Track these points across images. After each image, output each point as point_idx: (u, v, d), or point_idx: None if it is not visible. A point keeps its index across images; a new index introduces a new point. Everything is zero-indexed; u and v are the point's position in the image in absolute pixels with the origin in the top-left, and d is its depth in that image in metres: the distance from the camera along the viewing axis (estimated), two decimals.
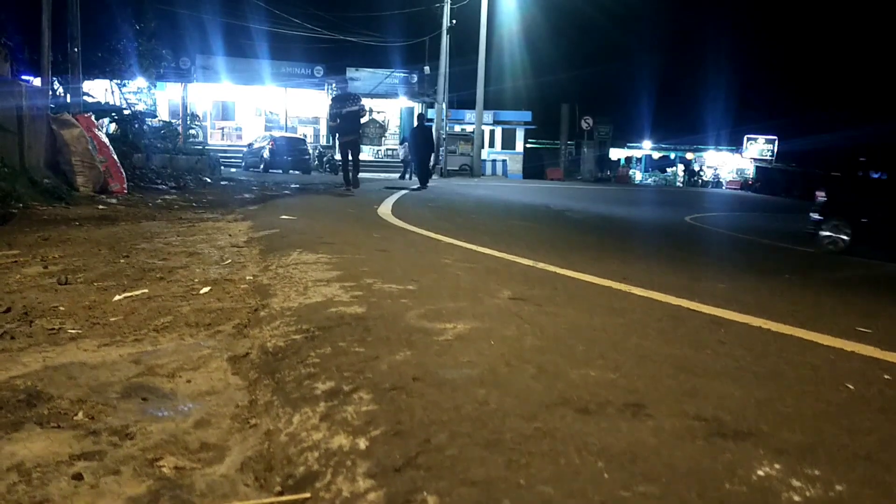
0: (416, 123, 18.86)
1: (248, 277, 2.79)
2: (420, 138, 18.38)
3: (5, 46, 9.01)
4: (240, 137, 37.47)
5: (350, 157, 14.64)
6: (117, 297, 2.42)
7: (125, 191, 9.01)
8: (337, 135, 15.40)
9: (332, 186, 17.47)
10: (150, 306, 2.30)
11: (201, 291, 2.49)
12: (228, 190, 12.93)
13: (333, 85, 37.01)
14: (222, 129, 39.07)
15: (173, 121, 35.27)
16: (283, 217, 5.70)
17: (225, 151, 33.02)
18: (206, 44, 33.24)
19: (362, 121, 15.62)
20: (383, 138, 30.22)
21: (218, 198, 10.17)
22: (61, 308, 2.31)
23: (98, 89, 16.22)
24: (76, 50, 9.63)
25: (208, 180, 16.18)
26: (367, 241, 4.30)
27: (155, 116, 31.21)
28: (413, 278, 2.88)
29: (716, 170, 49.96)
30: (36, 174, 7.40)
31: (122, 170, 9.18)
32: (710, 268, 6.46)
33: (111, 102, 18.82)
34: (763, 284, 5.31)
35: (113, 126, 14.87)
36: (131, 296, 2.45)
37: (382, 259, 3.33)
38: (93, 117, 9.10)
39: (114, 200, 8.04)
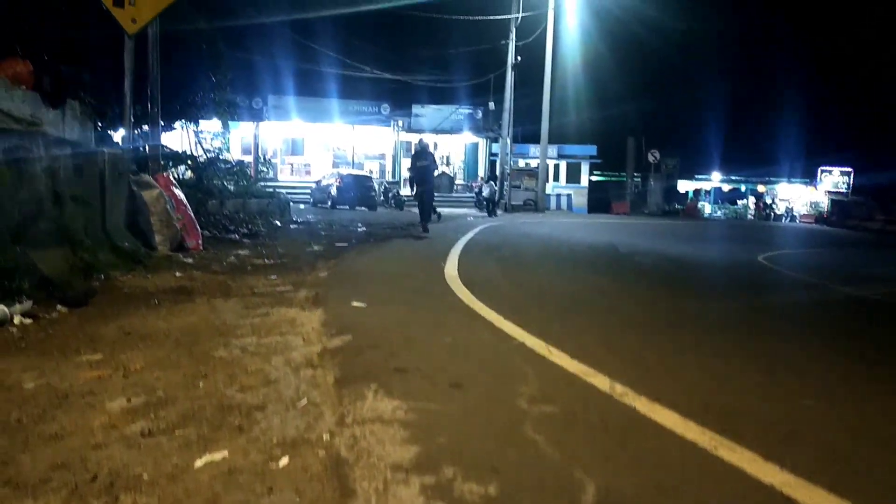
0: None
1: (324, 437, 2.75)
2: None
3: (89, 105, 9.38)
4: (308, 173, 38.33)
5: (424, 205, 16.62)
6: (198, 463, 2.43)
7: (200, 247, 9.24)
8: (415, 184, 17.27)
9: (398, 228, 18.01)
10: (229, 486, 2.29)
11: (280, 464, 2.47)
12: (298, 239, 13.15)
13: (400, 122, 37.60)
14: (291, 164, 40.03)
15: (245, 158, 36.47)
16: (354, 305, 5.69)
17: (294, 188, 33.83)
18: (278, 84, 34.22)
19: (435, 174, 18.31)
20: (454, 186, 30.60)
21: (288, 251, 10.34)
22: (144, 476, 2.32)
23: (174, 133, 16.85)
24: (156, 109, 9.99)
25: (278, 223, 16.53)
26: (438, 357, 4.19)
27: (228, 152, 32.28)
28: (494, 464, 2.62)
29: (789, 203, 48.57)
30: (116, 237, 7.64)
31: (198, 225, 9.44)
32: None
33: (187, 148, 19.53)
34: None
35: (189, 173, 15.39)
36: (212, 461, 2.45)
37: (459, 412, 3.20)
38: (171, 175, 9.41)
39: (190, 260, 8.24)
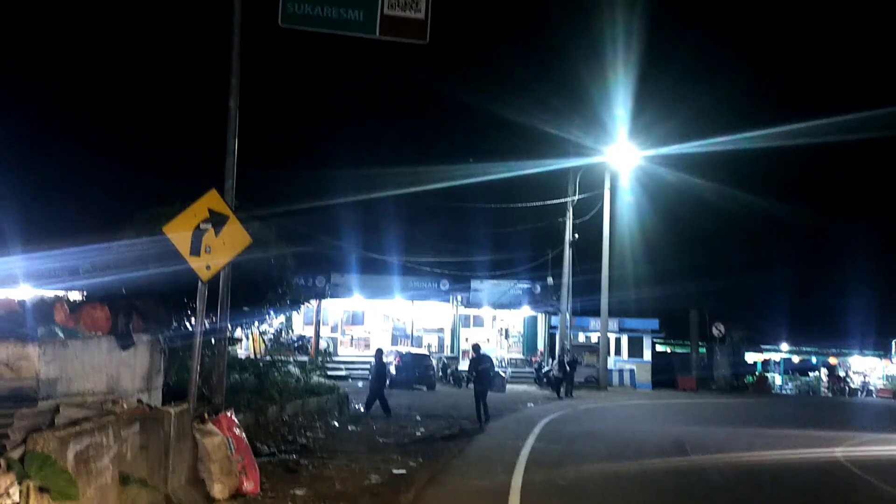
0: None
1: None
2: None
3: (159, 340, 9.63)
4: (367, 346, 38.61)
5: (484, 407, 18.27)
6: None
7: (258, 490, 9.10)
8: (473, 385, 19.00)
9: (459, 417, 18.37)
10: None
11: None
12: (359, 450, 13.00)
13: (459, 297, 38.02)
14: (351, 335, 40.48)
15: (307, 329, 37.12)
16: None
17: (353, 363, 34.04)
18: (340, 263, 35.44)
19: (491, 374, 20.22)
20: (506, 384, 30.52)
21: (348, 476, 10.14)
22: None
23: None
24: (223, 341, 10.25)
25: (336, 424, 16.41)
26: None
27: (291, 330, 32.87)
28: None
29: (864, 376, 46.41)
30: (177, 493, 7.57)
31: (256, 466, 9.34)
32: None
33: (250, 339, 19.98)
34: None
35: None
36: None
37: None
38: (232, 414, 9.46)
39: None
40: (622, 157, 34.93)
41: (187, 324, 12.30)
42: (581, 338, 41.31)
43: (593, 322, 39.69)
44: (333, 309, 39.34)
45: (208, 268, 9.22)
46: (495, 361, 37.19)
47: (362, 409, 19.34)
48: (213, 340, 11.44)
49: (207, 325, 10.34)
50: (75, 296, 15.35)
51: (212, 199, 9.31)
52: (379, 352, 20.57)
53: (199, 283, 9.20)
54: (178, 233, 8.88)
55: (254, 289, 13.19)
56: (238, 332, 15.95)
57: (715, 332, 41.71)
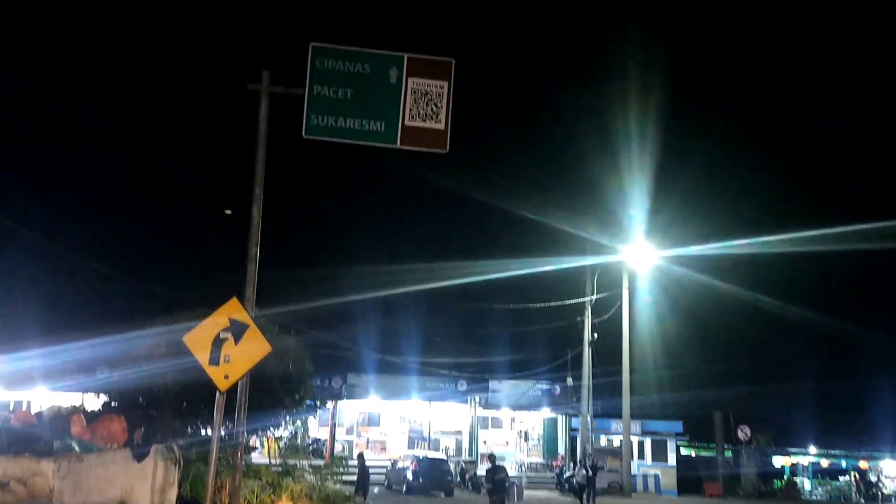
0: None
1: None
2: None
3: (174, 450, 9.47)
4: (384, 449, 37.82)
5: None
6: None
7: None
8: (489, 495, 19.60)
9: None
10: None
11: None
12: None
13: (476, 398, 37.40)
14: (367, 437, 39.65)
15: (321, 436, 36.38)
16: None
17: (368, 467, 33.13)
18: (356, 363, 35.15)
19: (507, 484, 21.30)
20: (524, 491, 29.75)
21: None
22: None
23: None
24: (239, 450, 10.05)
25: None
26: None
27: (306, 432, 32.25)
28: None
29: None
30: None
31: None
32: None
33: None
34: None
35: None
36: None
37: None
38: None
39: None
40: (640, 256, 34.87)
41: (203, 430, 12.13)
42: (603, 441, 40.21)
43: (615, 424, 38.70)
44: (349, 410, 38.71)
45: (227, 377, 9.13)
46: (514, 465, 36.28)
47: None
48: (227, 448, 11.23)
49: (223, 432, 10.18)
50: (91, 398, 15.29)
51: (232, 308, 9.33)
52: (360, 455, 22.58)
53: (217, 393, 9.09)
54: (198, 343, 8.85)
55: (271, 394, 13.07)
56: (253, 440, 15.69)
57: (740, 434, 40.44)
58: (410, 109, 11.66)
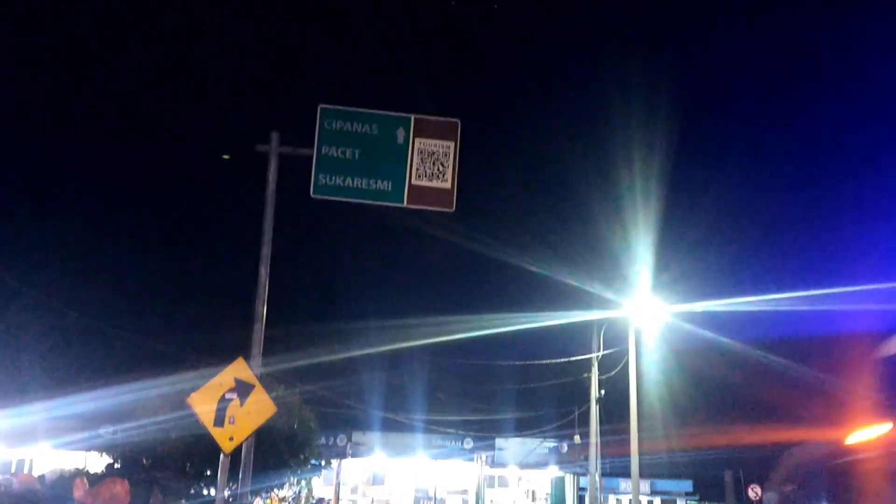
0: None
1: None
2: None
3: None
4: None
5: None
6: None
7: None
8: None
9: None
10: None
11: None
12: None
13: (483, 456, 36.87)
14: (372, 498, 39.04)
15: (325, 495, 35.80)
16: None
17: None
18: (361, 421, 34.79)
19: None
20: None
21: None
22: None
23: None
24: (245, 502, 9.92)
25: None
26: None
27: (310, 492, 31.76)
28: None
29: None
30: None
31: None
32: None
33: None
34: None
35: None
36: None
37: None
38: None
39: None
40: (647, 313, 34.63)
41: (206, 491, 11.98)
42: (612, 501, 39.45)
43: (623, 483, 38.00)
44: (354, 468, 38.16)
45: (231, 439, 9.05)
46: None
47: None
48: None
49: (227, 494, 10.04)
50: (94, 457, 15.11)
51: (238, 368, 9.29)
52: None
53: (222, 455, 9.00)
54: (203, 404, 8.78)
55: (276, 454, 12.92)
56: (257, 501, 15.47)
57: (752, 494, 39.51)
58: (417, 169, 11.76)
